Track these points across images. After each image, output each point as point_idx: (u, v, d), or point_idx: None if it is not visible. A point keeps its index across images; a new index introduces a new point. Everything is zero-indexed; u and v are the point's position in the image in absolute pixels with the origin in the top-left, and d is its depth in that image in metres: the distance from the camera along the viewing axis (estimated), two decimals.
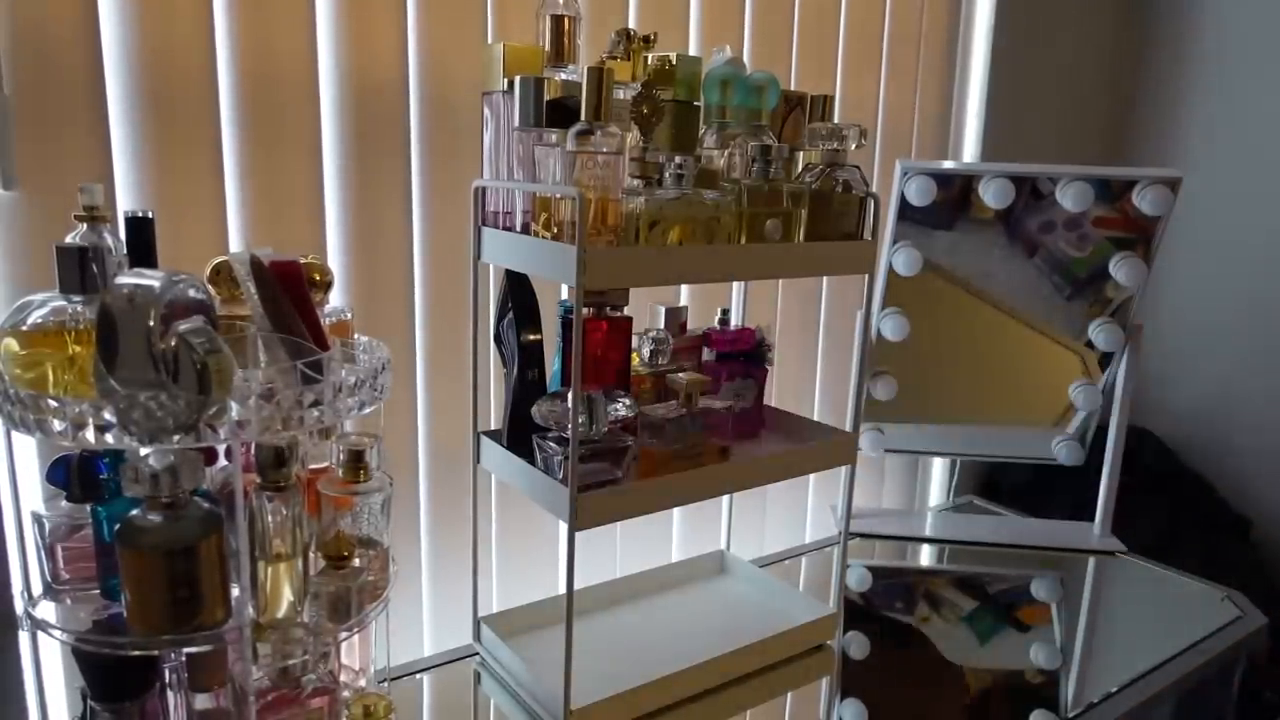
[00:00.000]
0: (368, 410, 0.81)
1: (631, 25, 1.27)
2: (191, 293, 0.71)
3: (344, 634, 0.87)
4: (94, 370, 0.67)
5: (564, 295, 1.16)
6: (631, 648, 1.13)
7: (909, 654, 1.24)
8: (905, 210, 1.46)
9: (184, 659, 0.80)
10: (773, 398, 1.38)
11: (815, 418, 1.48)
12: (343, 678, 0.95)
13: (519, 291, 1.02)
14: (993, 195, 1.44)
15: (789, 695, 1.13)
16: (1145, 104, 2.06)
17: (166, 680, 0.83)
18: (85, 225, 0.80)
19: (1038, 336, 1.57)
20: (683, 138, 1.00)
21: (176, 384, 0.66)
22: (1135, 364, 1.55)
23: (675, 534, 1.53)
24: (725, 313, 1.26)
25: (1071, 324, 1.55)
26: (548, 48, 0.97)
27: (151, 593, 0.73)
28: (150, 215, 0.83)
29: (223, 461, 0.86)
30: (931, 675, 1.19)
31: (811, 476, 1.71)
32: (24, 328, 0.73)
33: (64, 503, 0.83)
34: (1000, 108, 1.81)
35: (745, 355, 1.18)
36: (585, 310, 0.88)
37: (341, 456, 0.90)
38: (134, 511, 0.73)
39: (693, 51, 1.38)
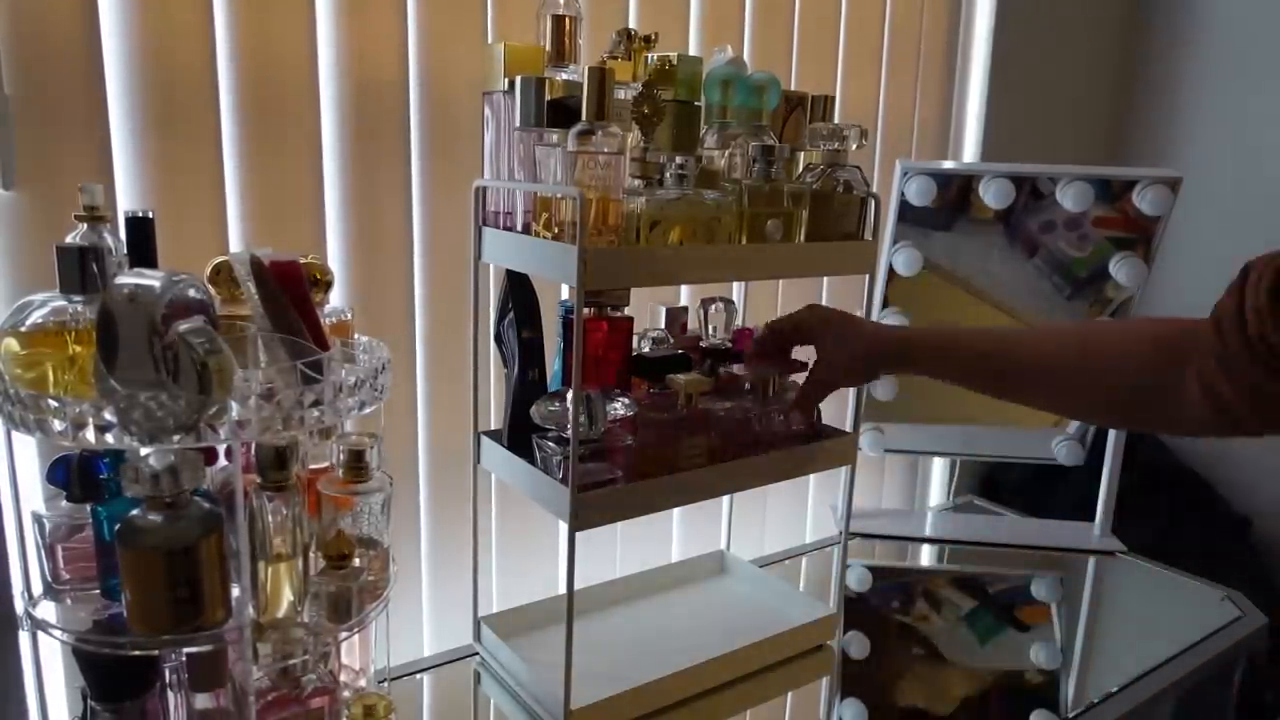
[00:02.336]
0: (368, 410, 0.81)
1: (632, 25, 1.27)
2: (191, 293, 0.71)
3: (344, 634, 0.87)
4: (94, 370, 0.67)
5: (564, 295, 1.16)
6: (631, 648, 1.13)
7: (909, 654, 1.24)
8: (905, 210, 1.47)
9: (184, 659, 0.80)
10: None
11: None
12: (343, 678, 0.95)
13: (519, 291, 1.02)
14: (993, 195, 1.44)
15: (789, 695, 1.13)
16: (1145, 104, 2.06)
17: (166, 680, 0.83)
18: (85, 225, 0.80)
19: None
20: (683, 138, 1.00)
21: (177, 384, 0.66)
22: None
23: (675, 534, 1.53)
24: None
25: None
26: (548, 48, 0.97)
27: (151, 593, 0.73)
28: (150, 215, 0.83)
29: (223, 461, 0.86)
30: (931, 675, 1.19)
31: (811, 476, 1.71)
32: (24, 328, 0.73)
33: (64, 503, 0.83)
34: (1000, 108, 1.81)
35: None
36: (585, 310, 0.87)
37: (341, 456, 0.90)
38: (134, 511, 0.73)
39: (693, 51, 1.38)
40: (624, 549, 1.45)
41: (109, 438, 0.67)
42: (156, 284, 0.68)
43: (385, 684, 1.02)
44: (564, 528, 0.92)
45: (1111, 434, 1.56)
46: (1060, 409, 0.88)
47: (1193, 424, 0.74)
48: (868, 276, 1.12)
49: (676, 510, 1.51)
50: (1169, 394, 0.74)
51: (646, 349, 1.12)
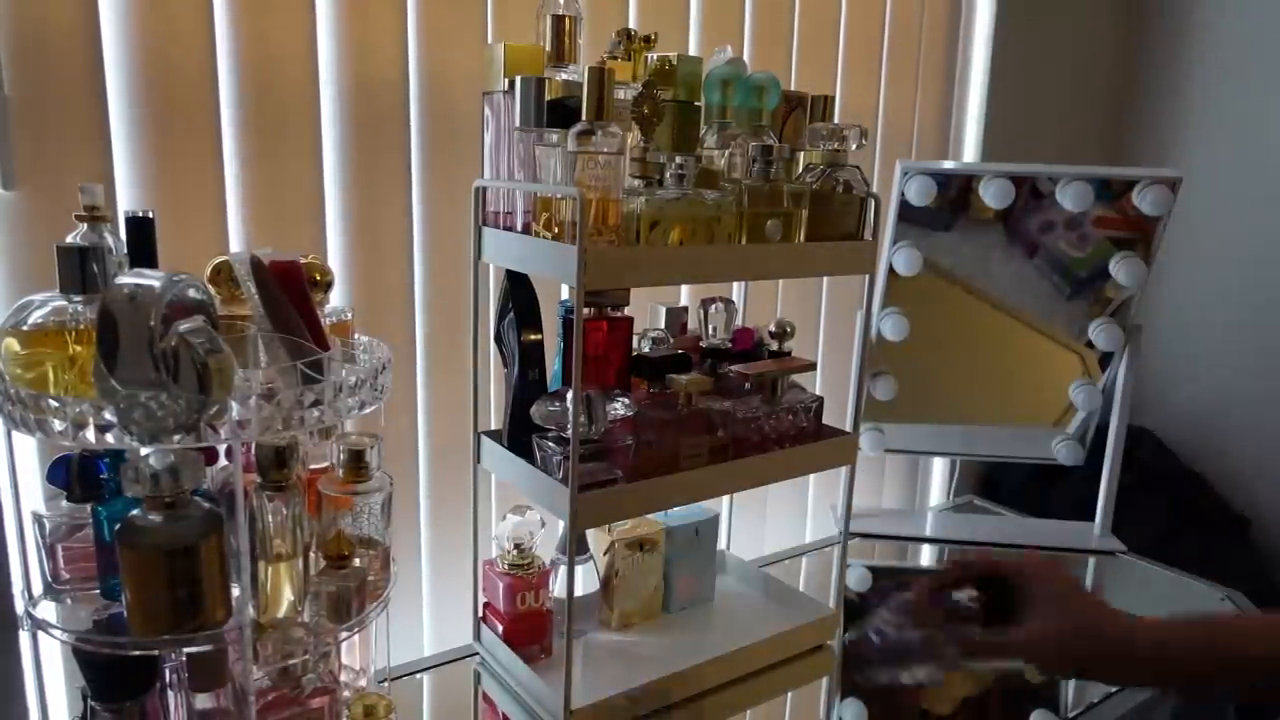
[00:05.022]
0: (368, 410, 0.81)
1: (632, 25, 1.27)
2: (191, 293, 0.71)
3: (344, 634, 0.87)
4: (94, 370, 0.67)
5: (564, 295, 1.16)
6: (632, 648, 1.13)
7: None
8: (905, 210, 1.46)
9: (184, 659, 0.80)
10: None
11: None
12: (343, 678, 0.95)
13: (519, 291, 1.02)
14: (993, 195, 1.44)
15: (789, 695, 1.13)
16: (1145, 104, 2.06)
17: (166, 680, 0.83)
18: (85, 225, 0.80)
19: (1038, 336, 1.57)
20: (683, 138, 1.00)
21: (177, 384, 0.66)
22: (1135, 364, 1.55)
23: None
24: None
25: (1071, 324, 1.55)
26: (548, 48, 0.97)
27: (152, 593, 0.73)
28: (150, 215, 0.83)
29: (223, 461, 0.86)
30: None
31: (811, 476, 1.71)
32: (24, 328, 0.73)
33: (64, 503, 0.83)
34: (1000, 108, 1.81)
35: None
36: (585, 310, 0.87)
37: (341, 456, 0.90)
38: (134, 511, 0.73)
39: (693, 51, 1.38)
40: None
41: (109, 438, 0.67)
42: (156, 284, 0.68)
43: (385, 684, 1.02)
44: (564, 527, 0.92)
45: (1111, 434, 1.56)
46: None
47: None
48: (867, 276, 1.12)
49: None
50: None
51: (646, 349, 1.12)
